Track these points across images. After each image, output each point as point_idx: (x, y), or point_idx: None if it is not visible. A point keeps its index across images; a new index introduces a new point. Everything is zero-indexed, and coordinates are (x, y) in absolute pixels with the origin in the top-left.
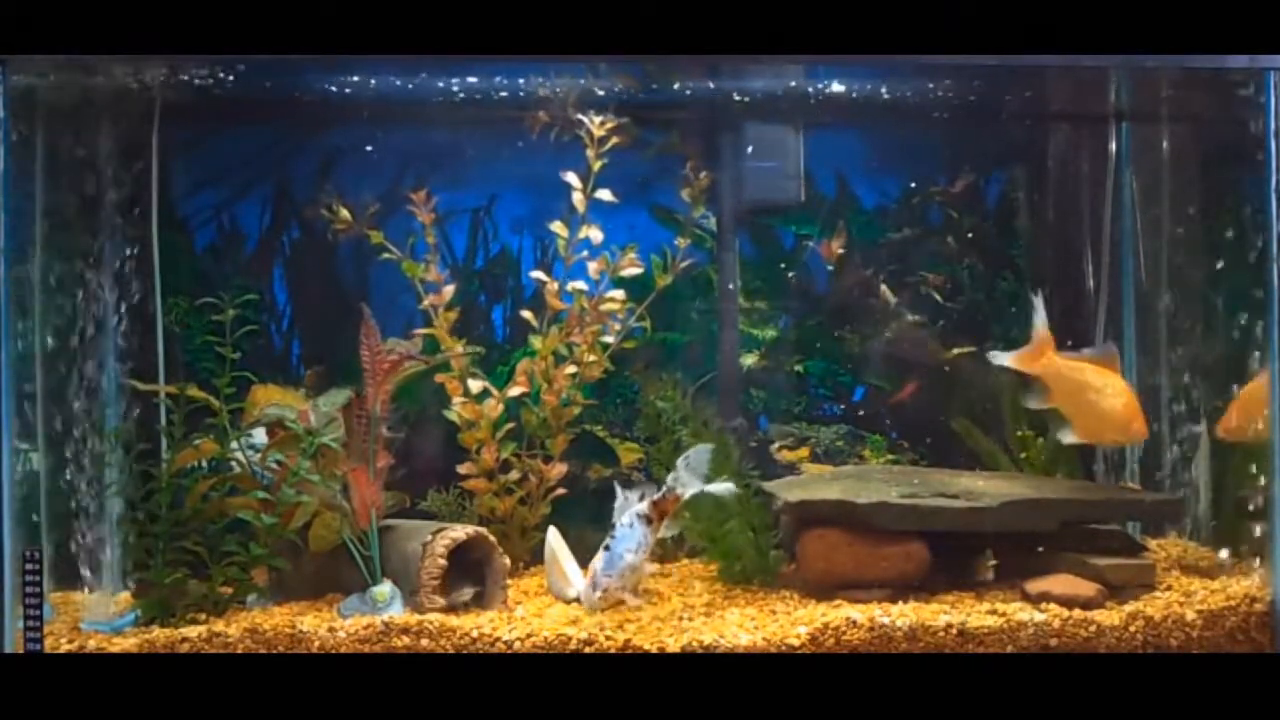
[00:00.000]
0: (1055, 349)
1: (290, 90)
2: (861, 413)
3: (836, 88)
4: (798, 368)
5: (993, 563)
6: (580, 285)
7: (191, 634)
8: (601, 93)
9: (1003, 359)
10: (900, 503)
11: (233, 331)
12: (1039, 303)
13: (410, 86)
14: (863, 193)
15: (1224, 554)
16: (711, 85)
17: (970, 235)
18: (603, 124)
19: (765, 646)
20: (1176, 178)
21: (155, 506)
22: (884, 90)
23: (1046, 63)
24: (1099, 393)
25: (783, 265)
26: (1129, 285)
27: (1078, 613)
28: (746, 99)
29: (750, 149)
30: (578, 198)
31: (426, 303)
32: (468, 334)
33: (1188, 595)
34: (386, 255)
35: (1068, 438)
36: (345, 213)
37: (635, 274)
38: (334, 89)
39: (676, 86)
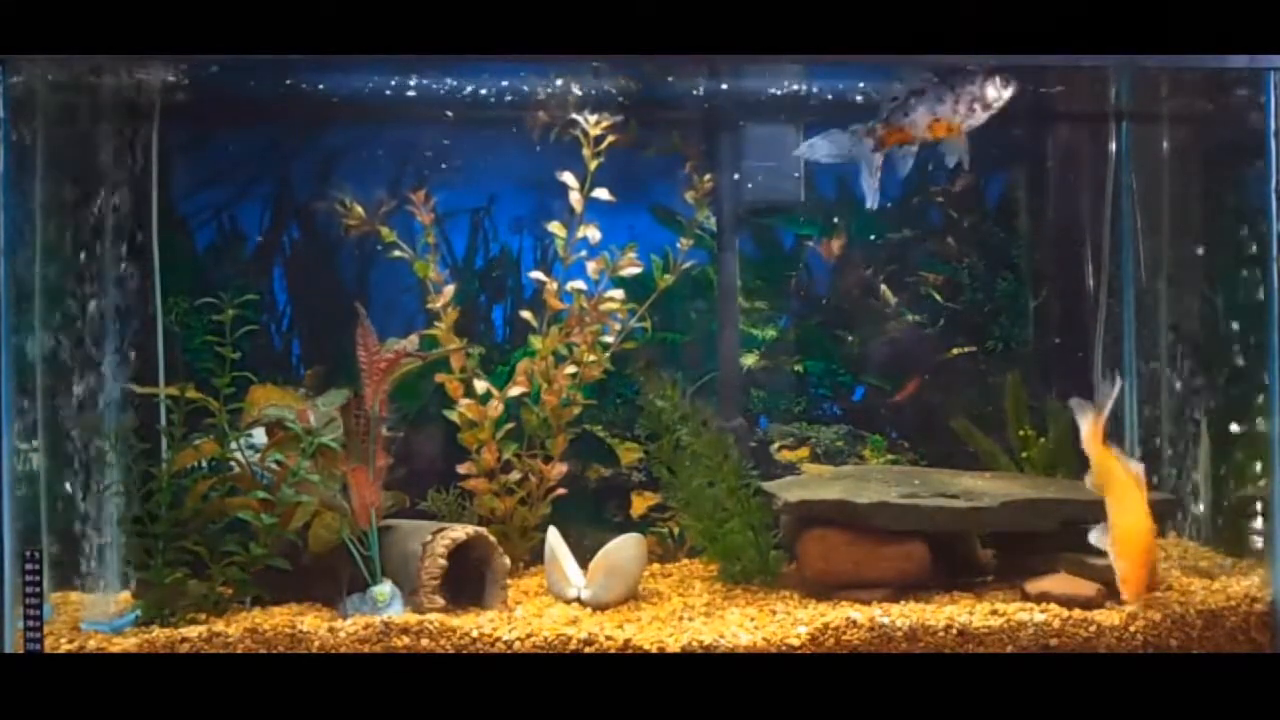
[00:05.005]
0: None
1: (289, 89)
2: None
3: (835, 87)
4: (798, 368)
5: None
6: (579, 285)
7: (191, 634)
8: (601, 92)
9: (1081, 413)
10: (900, 503)
11: (233, 331)
12: (1113, 384)
13: (409, 87)
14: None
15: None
16: (711, 85)
17: (970, 234)
18: (598, 123)
19: (765, 646)
20: (1176, 177)
21: (155, 506)
22: (884, 89)
23: (1046, 63)
24: (1124, 499)
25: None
26: (1129, 285)
27: (1078, 613)
28: (746, 99)
29: (749, 149)
30: (575, 197)
31: (438, 304)
32: (468, 334)
33: (1188, 595)
34: (397, 254)
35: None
36: (359, 209)
37: (634, 274)
38: (333, 89)
39: (673, 85)
